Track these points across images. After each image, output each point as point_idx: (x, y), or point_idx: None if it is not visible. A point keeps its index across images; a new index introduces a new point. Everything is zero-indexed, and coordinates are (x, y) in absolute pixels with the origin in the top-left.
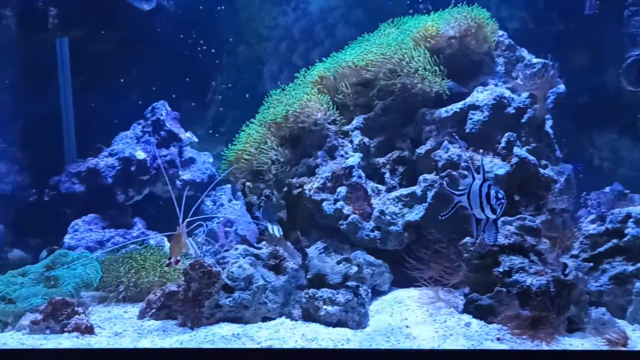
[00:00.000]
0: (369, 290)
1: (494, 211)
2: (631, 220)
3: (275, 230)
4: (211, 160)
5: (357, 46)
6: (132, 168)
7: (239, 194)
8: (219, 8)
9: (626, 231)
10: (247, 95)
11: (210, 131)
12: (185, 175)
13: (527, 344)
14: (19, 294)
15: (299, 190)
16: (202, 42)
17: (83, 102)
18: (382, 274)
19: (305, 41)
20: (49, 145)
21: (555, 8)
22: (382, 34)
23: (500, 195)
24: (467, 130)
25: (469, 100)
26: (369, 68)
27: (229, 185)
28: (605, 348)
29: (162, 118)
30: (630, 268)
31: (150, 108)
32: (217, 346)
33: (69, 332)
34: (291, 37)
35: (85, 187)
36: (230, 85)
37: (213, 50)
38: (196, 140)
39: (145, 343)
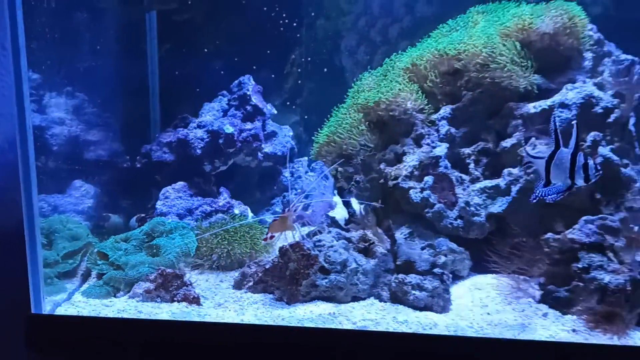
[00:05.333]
0: (450, 275)
1: (586, 180)
2: None
3: (357, 209)
4: (291, 133)
5: (447, 34)
6: (220, 141)
7: (313, 165)
8: None
9: None
10: (325, 70)
11: (287, 102)
12: (268, 148)
13: (600, 337)
14: (126, 261)
15: (392, 179)
16: (284, 15)
17: (168, 69)
18: (463, 261)
19: (385, 17)
20: (137, 112)
21: None
22: (471, 20)
23: (599, 168)
24: (553, 128)
25: (558, 97)
26: (460, 58)
27: (305, 158)
28: None
29: (248, 93)
30: None
31: (237, 82)
32: (319, 326)
33: (178, 301)
34: (370, 12)
35: (175, 156)
36: (308, 58)
37: (294, 24)
38: (275, 112)
39: (248, 316)
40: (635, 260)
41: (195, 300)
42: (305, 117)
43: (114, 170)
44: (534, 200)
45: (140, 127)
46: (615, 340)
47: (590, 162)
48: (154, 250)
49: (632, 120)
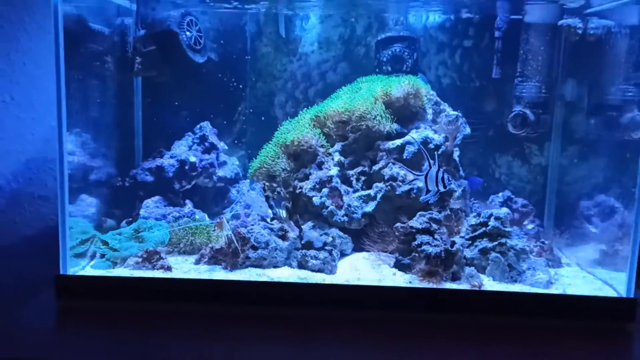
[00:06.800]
0: (339, 253)
1: (444, 187)
2: (493, 217)
3: (283, 213)
4: (237, 163)
5: (340, 96)
6: (186, 167)
7: (253, 185)
8: (246, 57)
9: (489, 223)
10: (263, 118)
11: (236, 141)
12: (220, 172)
13: (426, 284)
14: (121, 246)
15: (299, 190)
16: (233, 80)
17: (148, 116)
18: (347, 243)
19: (305, 82)
20: (126, 146)
21: (474, 71)
22: (357, 87)
23: (450, 179)
24: (405, 157)
25: (406, 138)
26: (346, 113)
27: (247, 180)
28: (469, 288)
29: (206, 134)
30: (489, 245)
31: (198, 126)
32: (250, 279)
33: (157, 269)
34: (295, 78)
35: (154, 178)
36: (250, 110)
37: (240, 86)
38: (226, 147)
39: (204, 276)
40: (447, 239)
41: (169, 268)
42: (249, 151)
43: (109, 188)
44: (424, 201)
45: (128, 157)
46: (434, 286)
47: (445, 176)
48: (140, 240)
49: (456, 153)
